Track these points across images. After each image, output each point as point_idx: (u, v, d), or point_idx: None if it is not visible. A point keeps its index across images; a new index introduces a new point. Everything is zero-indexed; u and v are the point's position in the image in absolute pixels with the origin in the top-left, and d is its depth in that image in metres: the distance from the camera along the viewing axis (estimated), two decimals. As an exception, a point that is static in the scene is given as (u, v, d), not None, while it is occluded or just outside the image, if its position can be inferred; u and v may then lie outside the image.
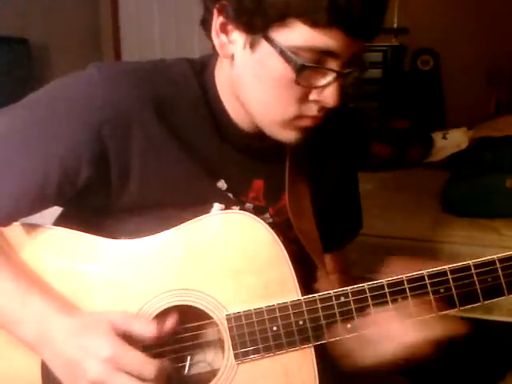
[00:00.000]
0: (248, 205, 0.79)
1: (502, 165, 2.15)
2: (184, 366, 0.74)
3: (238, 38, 0.66)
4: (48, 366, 0.67)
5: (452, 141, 2.89)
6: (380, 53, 3.56)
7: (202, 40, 0.72)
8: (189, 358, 0.74)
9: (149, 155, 0.70)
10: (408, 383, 0.95)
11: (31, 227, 0.71)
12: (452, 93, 3.70)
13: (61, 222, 0.77)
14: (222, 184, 0.76)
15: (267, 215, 0.80)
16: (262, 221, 0.71)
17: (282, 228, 0.80)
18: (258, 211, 0.79)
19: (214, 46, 0.72)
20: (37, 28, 3.19)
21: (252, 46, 0.64)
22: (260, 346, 0.69)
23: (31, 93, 0.71)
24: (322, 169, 0.86)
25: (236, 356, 0.69)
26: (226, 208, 0.75)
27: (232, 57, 0.68)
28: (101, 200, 0.72)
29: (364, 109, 3.33)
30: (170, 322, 0.69)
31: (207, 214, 0.72)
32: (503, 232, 1.79)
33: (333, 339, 0.69)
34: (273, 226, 0.78)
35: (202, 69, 0.76)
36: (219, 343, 0.73)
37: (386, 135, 2.83)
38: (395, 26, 3.66)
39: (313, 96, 0.66)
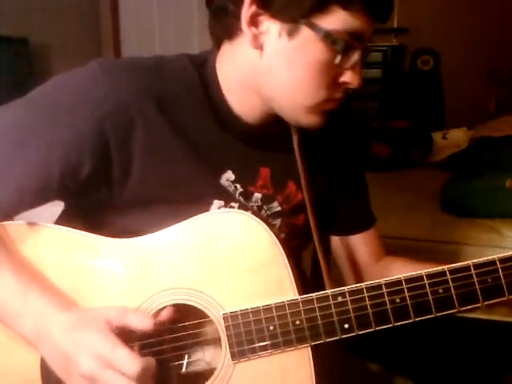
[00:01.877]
0: (256, 195, 0.79)
1: (502, 165, 2.14)
2: (181, 364, 0.74)
3: (271, 27, 0.68)
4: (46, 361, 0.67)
5: (452, 141, 2.88)
6: (380, 53, 3.55)
7: (201, 39, 0.72)
8: (186, 356, 0.74)
9: (150, 149, 0.71)
10: (410, 383, 0.95)
11: (33, 225, 0.72)
12: (452, 93, 3.68)
13: (63, 219, 0.78)
14: (229, 175, 0.76)
15: (275, 203, 0.80)
16: (260, 220, 0.71)
17: (290, 216, 0.81)
18: (266, 200, 0.79)
19: (215, 44, 0.75)
20: (37, 28, 3.18)
21: (290, 33, 0.67)
22: (256, 345, 0.68)
23: (31, 92, 0.72)
24: (322, 168, 0.86)
25: (233, 355, 0.69)
26: (226, 204, 0.75)
27: (261, 47, 0.70)
28: (103, 195, 0.73)
29: (364, 109, 3.32)
30: (166, 314, 0.69)
31: (206, 213, 0.72)
32: (503, 232, 1.78)
33: (331, 339, 0.69)
34: (281, 214, 0.79)
35: (203, 63, 0.76)
36: (217, 342, 0.73)
37: (386, 135, 2.83)
38: (395, 25, 3.66)
39: (342, 78, 0.70)
